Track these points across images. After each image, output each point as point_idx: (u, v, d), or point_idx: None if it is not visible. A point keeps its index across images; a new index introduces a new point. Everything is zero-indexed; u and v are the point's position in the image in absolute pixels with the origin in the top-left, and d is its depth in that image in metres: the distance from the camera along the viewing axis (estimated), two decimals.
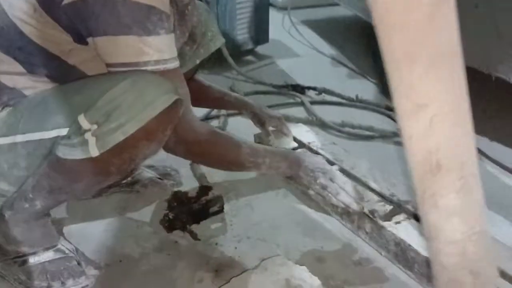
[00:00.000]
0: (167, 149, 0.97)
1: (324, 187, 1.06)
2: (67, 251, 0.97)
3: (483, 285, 0.49)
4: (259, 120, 1.36)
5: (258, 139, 1.41)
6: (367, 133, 1.53)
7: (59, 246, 0.98)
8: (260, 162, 1.04)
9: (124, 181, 1.24)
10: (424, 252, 0.93)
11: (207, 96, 1.34)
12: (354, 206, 1.05)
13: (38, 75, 0.90)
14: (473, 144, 0.44)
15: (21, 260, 0.95)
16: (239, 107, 1.39)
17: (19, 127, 0.88)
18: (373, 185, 1.14)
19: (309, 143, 1.34)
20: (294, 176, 1.10)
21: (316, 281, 0.87)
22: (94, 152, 0.81)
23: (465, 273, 0.48)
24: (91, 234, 1.10)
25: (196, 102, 1.32)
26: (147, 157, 0.90)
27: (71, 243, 1.01)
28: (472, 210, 0.46)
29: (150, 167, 1.31)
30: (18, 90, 0.91)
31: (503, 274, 0.87)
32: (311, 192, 1.16)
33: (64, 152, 0.84)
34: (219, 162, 1.06)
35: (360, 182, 1.16)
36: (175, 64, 0.89)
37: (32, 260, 0.95)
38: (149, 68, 0.84)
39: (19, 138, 0.88)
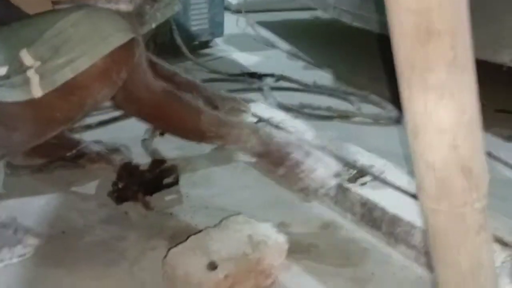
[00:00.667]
0: (118, 105, 0.88)
1: (298, 164, 0.99)
2: (3, 217, 0.87)
3: (476, 186, 0.44)
4: (211, 103, 1.28)
5: None
6: (327, 113, 1.51)
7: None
8: (224, 133, 0.96)
9: (69, 154, 1.13)
10: (391, 210, 0.90)
11: (154, 73, 1.26)
12: (330, 183, 0.98)
13: None
14: (465, 8, 0.40)
15: None
16: (189, 89, 1.29)
17: None
18: (336, 152, 1.10)
19: (269, 118, 1.29)
20: (263, 152, 1.02)
21: (281, 237, 0.80)
22: (37, 92, 0.72)
23: (455, 170, 0.43)
24: (30, 208, 0.99)
25: None
26: (97, 103, 0.80)
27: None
28: (464, 91, 0.41)
29: (97, 142, 1.21)
30: None
31: None
32: (280, 171, 1.04)
33: (2, 94, 0.73)
34: (175, 127, 0.99)
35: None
36: (127, 7, 0.81)
37: None
38: (99, 5, 0.76)
39: None
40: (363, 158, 1.08)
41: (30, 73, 0.72)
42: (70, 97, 0.75)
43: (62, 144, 1.12)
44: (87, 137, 1.25)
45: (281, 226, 0.96)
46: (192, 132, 0.98)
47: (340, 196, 0.99)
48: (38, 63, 0.72)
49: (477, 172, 0.43)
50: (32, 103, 0.73)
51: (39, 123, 0.78)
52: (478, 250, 0.47)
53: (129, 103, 0.89)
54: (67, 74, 0.72)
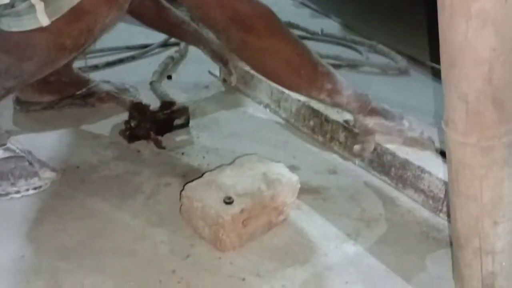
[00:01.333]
0: (215, 29, 0.83)
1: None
2: (17, 151, 0.86)
3: (506, 119, 0.45)
4: (220, 58, 1.25)
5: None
6: (334, 61, 1.50)
7: (9, 145, 0.86)
8: (338, 89, 0.86)
9: (79, 93, 1.13)
10: (401, 155, 0.91)
11: (164, 18, 1.20)
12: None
13: None
14: None
15: None
16: (196, 41, 1.25)
17: None
18: None
19: None
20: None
21: (294, 176, 0.82)
22: (44, 20, 0.70)
23: (487, 103, 0.44)
24: (43, 142, 0.99)
25: (150, 23, 1.20)
26: (106, 27, 0.78)
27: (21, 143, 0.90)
28: (505, 21, 0.41)
29: (106, 82, 1.21)
30: None
31: None
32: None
33: (9, 24, 0.72)
34: (286, 67, 0.85)
35: None
36: None
37: None
38: None
39: None
40: None
41: (34, 0, 0.70)
42: (78, 23, 0.73)
43: (72, 82, 1.11)
44: (94, 77, 1.23)
45: (291, 169, 0.98)
46: (304, 79, 0.85)
47: (350, 142, 1.00)
48: None
49: (509, 106, 0.44)
50: (40, 31, 0.71)
51: (49, 51, 0.77)
52: (500, 184, 0.48)
53: (230, 25, 0.80)
54: (72, 0, 0.70)
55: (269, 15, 0.83)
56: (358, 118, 0.93)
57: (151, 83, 1.28)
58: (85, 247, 0.75)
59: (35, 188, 0.85)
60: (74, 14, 0.71)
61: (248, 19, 0.81)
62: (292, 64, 0.85)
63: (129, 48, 1.48)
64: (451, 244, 0.68)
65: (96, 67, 1.35)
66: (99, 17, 0.74)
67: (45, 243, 0.76)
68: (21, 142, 0.95)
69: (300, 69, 0.86)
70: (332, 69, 0.88)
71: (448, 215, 0.80)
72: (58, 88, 1.09)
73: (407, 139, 0.92)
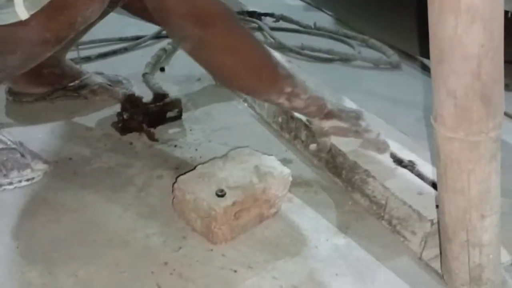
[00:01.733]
0: (168, 24, 0.77)
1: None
2: (9, 143, 0.86)
3: (493, 114, 0.46)
4: None
5: None
6: (327, 56, 1.50)
7: (0, 137, 0.86)
8: (298, 93, 0.83)
9: (71, 84, 1.12)
10: (351, 157, 0.89)
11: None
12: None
13: None
14: None
15: None
16: None
17: None
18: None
19: None
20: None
21: (286, 169, 0.83)
22: (23, 14, 0.69)
23: (475, 98, 0.45)
24: (34, 135, 0.99)
25: (138, 13, 1.12)
26: (87, 20, 0.76)
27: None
28: (495, 17, 0.42)
29: (99, 74, 1.20)
30: None
31: None
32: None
33: None
34: (246, 67, 0.80)
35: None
36: None
37: None
38: None
39: None
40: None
41: None
42: (58, 17, 0.72)
43: (65, 74, 1.11)
44: (87, 69, 1.23)
45: (283, 162, 0.98)
46: (265, 79, 0.82)
47: (310, 141, 0.99)
48: None
49: (496, 102, 0.45)
50: (20, 25, 0.70)
51: (30, 45, 0.75)
52: (488, 178, 0.50)
53: (186, 24, 0.74)
54: None
55: (228, 12, 0.80)
56: (314, 122, 0.91)
57: (143, 75, 1.28)
58: (78, 239, 0.76)
59: (27, 180, 0.85)
60: (54, 7, 0.70)
61: (206, 14, 0.76)
62: (252, 64, 0.81)
63: (121, 39, 1.47)
64: (439, 236, 0.69)
65: (88, 59, 1.34)
66: (80, 10, 0.73)
67: (39, 234, 0.76)
68: (13, 133, 0.95)
69: (261, 71, 0.82)
70: (291, 72, 0.85)
71: (389, 223, 0.81)
72: (51, 80, 1.09)
73: (364, 141, 0.91)
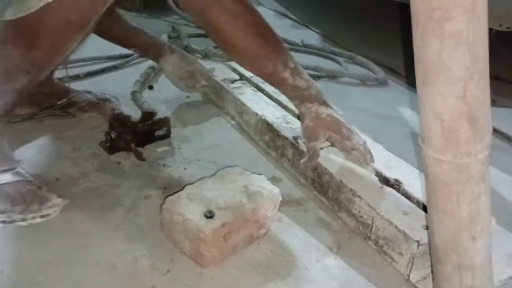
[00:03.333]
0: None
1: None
2: (27, 175, 0.85)
3: (481, 136, 0.46)
4: (185, 71, 1.21)
5: None
6: (314, 72, 1.52)
7: (18, 169, 0.84)
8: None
9: (59, 103, 1.11)
10: (337, 176, 0.88)
11: (114, 29, 1.16)
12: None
13: None
14: None
15: None
16: (154, 53, 1.21)
17: None
18: None
19: (251, 76, 1.28)
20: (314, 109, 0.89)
21: (275, 189, 0.82)
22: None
23: (462, 121, 0.45)
24: (22, 155, 0.96)
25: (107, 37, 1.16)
26: (107, 2, 0.76)
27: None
28: (479, 41, 0.42)
29: (87, 92, 1.20)
30: None
31: None
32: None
33: (14, 12, 0.69)
34: (254, 30, 0.83)
35: (291, 112, 1.10)
36: None
37: None
38: None
39: None
40: None
41: None
42: None
43: (53, 92, 1.10)
44: (75, 87, 1.22)
45: (272, 180, 0.98)
46: (271, 38, 0.84)
47: (296, 160, 0.98)
48: None
49: (483, 123, 0.45)
50: (47, 11, 0.69)
51: (57, 30, 0.74)
52: (477, 199, 0.50)
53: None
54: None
55: None
56: (312, 108, 0.89)
57: (132, 93, 1.27)
58: (66, 262, 0.74)
59: (42, 217, 0.82)
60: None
61: None
62: (258, 28, 0.83)
63: (110, 58, 1.47)
64: (430, 256, 0.69)
65: (77, 77, 1.33)
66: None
67: (25, 258, 0.74)
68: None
69: (267, 35, 0.84)
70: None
71: (376, 244, 0.81)
72: (39, 99, 1.08)
73: (350, 151, 0.90)
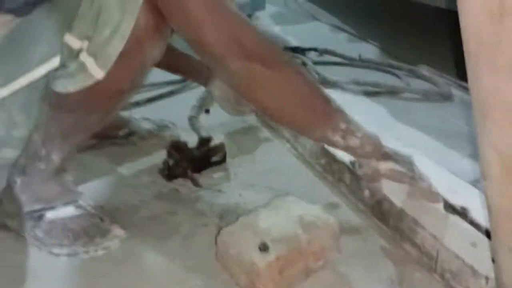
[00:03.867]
0: (211, 58, 0.73)
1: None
2: (88, 208, 0.88)
3: None
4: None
5: None
6: (372, 89, 1.47)
7: (80, 202, 0.88)
8: (352, 130, 0.78)
9: (120, 132, 1.16)
10: (398, 204, 0.84)
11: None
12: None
13: (5, 14, 0.76)
14: None
15: (36, 215, 0.84)
16: (201, 76, 1.19)
17: None
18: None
19: None
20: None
21: (331, 218, 0.80)
22: (99, 73, 0.72)
23: None
24: (84, 186, 1.00)
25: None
26: (156, 58, 0.77)
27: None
28: None
29: (146, 119, 1.24)
30: None
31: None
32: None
33: (65, 85, 0.74)
34: (299, 101, 0.76)
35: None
36: None
37: (49, 215, 0.84)
38: None
39: (4, 92, 0.77)
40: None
41: (83, 57, 0.72)
42: (130, 65, 0.74)
43: (114, 124, 1.14)
44: (135, 114, 1.27)
45: (329, 207, 0.96)
46: (319, 105, 0.76)
47: (354, 185, 0.95)
48: (86, 43, 0.71)
49: None
50: (97, 84, 0.73)
51: (110, 98, 0.78)
52: None
53: (229, 58, 0.71)
54: (119, 44, 0.70)
55: (273, 43, 0.77)
56: (370, 163, 0.83)
57: (189, 118, 1.30)
58: None
59: (104, 248, 0.84)
60: (124, 58, 0.72)
61: (251, 44, 0.72)
62: (305, 98, 0.76)
63: (168, 83, 1.52)
64: None
65: (137, 104, 1.38)
66: (147, 52, 0.75)
67: None
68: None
69: (314, 104, 0.77)
70: (341, 107, 0.81)
71: (442, 277, 0.75)
72: (101, 131, 1.11)
73: (416, 189, 0.84)
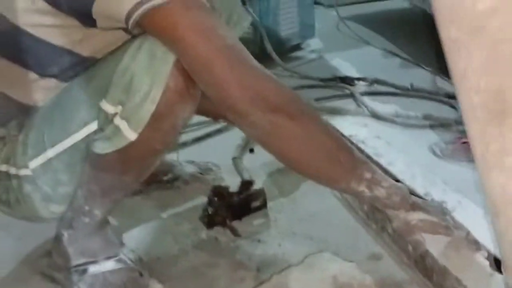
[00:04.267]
0: (234, 113, 0.75)
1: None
2: (129, 262, 0.91)
3: None
4: None
5: None
6: (424, 122, 1.40)
7: (121, 256, 0.91)
8: (378, 180, 0.78)
9: (165, 178, 1.19)
10: (441, 261, 0.78)
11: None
12: None
13: (49, 79, 0.83)
14: None
15: (81, 269, 0.88)
16: None
17: (45, 142, 0.82)
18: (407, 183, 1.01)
19: (350, 136, 1.24)
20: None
21: (367, 278, 0.77)
22: (131, 135, 0.75)
23: None
24: (129, 232, 1.05)
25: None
26: (187, 119, 0.81)
27: (134, 251, 0.94)
28: None
29: (190, 162, 1.26)
30: (32, 106, 0.85)
31: None
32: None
33: (102, 147, 0.78)
34: (323, 153, 0.77)
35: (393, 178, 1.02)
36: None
37: (92, 269, 0.88)
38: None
39: (50, 153, 0.82)
40: (436, 191, 0.98)
41: (117, 121, 0.76)
42: (161, 126, 0.77)
43: (159, 169, 1.17)
44: (183, 154, 1.30)
45: (371, 258, 0.92)
46: (343, 157, 0.77)
47: (397, 235, 0.88)
48: (119, 108, 0.75)
49: None
50: (131, 146, 0.76)
51: (143, 159, 0.82)
52: None
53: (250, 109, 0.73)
54: (149, 108, 0.73)
55: (296, 95, 0.77)
56: (399, 215, 0.81)
57: (233, 159, 1.31)
58: None
59: None
60: (156, 119, 0.75)
61: (274, 98, 0.73)
62: (328, 150, 0.76)
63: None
64: None
65: (184, 144, 1.41)
66: (178, 114, 0.78)
67: None
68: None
69: (338, 155, 0.77)
70: (365, 158, 0.80)
71: None
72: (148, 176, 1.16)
73: (454, 239, 0.80)
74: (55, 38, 0.80)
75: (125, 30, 0.76)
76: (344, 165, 0.77)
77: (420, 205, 0.82)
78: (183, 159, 1.28)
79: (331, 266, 0.79)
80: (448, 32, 0.40)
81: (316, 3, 2.28)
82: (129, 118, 0.75)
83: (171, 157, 1.30)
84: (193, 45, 0.72)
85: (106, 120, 0.77)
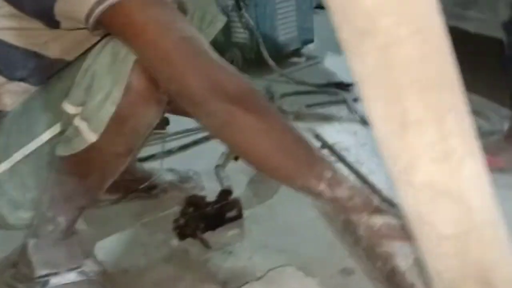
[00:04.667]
0: (191, 103, 0.71)
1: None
2: (91, 274, 0.89)
3: None
4: None
5: None
6: None
7: (83, 268, 0.89)
8: (340, 180, 0.71)
9: (142, 186, 1.17)
10: (409, 278, 0.71)
11: None
12: None
13: (18, 82, 0.82)
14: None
15: (43, 280, 0.87)
16: None
17: (12, 146, 0.81)
18: (385, 193, 0.98)
19: (334, 144, 1.20)
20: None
21: None
22: (92, 137, 0.74)
23: (469, 284, 0.33)
24: (101, 242, 1.03)
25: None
26: (151, 124, 0.79)
27: (100, 263, 0.92)
28: (465, 186, 0.31)
29: (170, 170, 1.24)
30: (0, 110, 0.84)
31: None
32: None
33: (63, 149, 0.77)
34: (280, 147, 0.71)
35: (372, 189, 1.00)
36: None
37: (53, 280, 0.86)
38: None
39: (17, 156, 0.81)
40: None
41: (77, 121, 0.74)
42: (122, 129, 0.75)
43: (136, 178, 1.16)
44: (168, 161, 1.28)
45: (342, 273, 0.88)
46: (302, 153, 0.71)
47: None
48: (79, 109, 0.74)
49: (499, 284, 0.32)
50: (92, 148, 0.75)
51: (105, 162, 0.80)
52: None
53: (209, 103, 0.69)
54: (110, 109, 0.72)
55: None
56: (361, 219, 0.73)
57: (215, 167, 1.28)
58: None
59: None
60: (117, 121, 0.73)
61: (233, 89, 0.69)
62: (287, 144, 0.71)
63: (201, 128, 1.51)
64: None
65: (170, 152, 1.39)
66: (140, 117, 0.76)
67: None
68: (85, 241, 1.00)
69: (297, 151, 0.71)
70: (326, 156, 0.74)
71: None
72: (123, 186, 1.14)
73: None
74: (21, 41, 0.79)
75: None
76: (302, 161, 0.71)
77: (383, 209, 0.74)
78: (169, 166, 1.27)
79: (291, 282, 0.76)
80: (341, 33, 0.37)
81: (317, 7, 2.24)
82: (89, 118, 0.74)
83: (154, 165, 1.30)
84: (152, 39, 0.69)
85: (68, 121, 0.76)
